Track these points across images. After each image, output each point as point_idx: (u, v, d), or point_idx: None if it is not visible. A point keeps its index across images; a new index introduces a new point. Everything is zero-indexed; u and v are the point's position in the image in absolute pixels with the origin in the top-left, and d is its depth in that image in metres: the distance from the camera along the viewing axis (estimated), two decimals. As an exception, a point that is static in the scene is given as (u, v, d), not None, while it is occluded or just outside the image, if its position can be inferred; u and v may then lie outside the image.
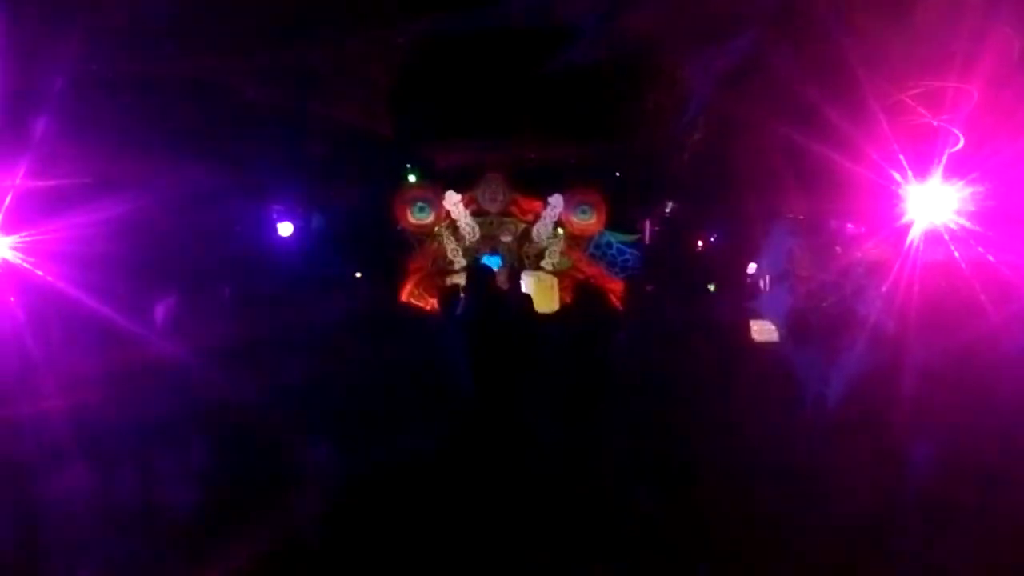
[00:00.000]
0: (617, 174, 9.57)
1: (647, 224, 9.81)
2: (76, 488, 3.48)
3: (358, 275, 7.36)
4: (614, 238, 9.92)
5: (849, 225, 4.65)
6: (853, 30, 4.00)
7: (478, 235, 9.87)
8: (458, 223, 9.76)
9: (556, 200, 9.93)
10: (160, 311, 4.29)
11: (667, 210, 8.85)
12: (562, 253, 10.01)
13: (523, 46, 5.48)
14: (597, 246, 9.98)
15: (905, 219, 4.03)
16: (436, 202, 9.61)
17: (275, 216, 8.67)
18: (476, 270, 5.21)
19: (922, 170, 3.99)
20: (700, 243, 7.92)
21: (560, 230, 10.03)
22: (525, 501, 4.14)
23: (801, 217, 4.84)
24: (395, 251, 9.43)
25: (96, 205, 4.22)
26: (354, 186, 8.76)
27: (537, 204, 10.08)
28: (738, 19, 4.79)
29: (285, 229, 8.91)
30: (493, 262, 9.60)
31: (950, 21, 3.85)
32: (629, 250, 9.73)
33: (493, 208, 10.04)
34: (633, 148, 7.88)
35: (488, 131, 8.40)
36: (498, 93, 6.64)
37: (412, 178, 9.50)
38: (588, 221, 9.89)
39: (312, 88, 5.54)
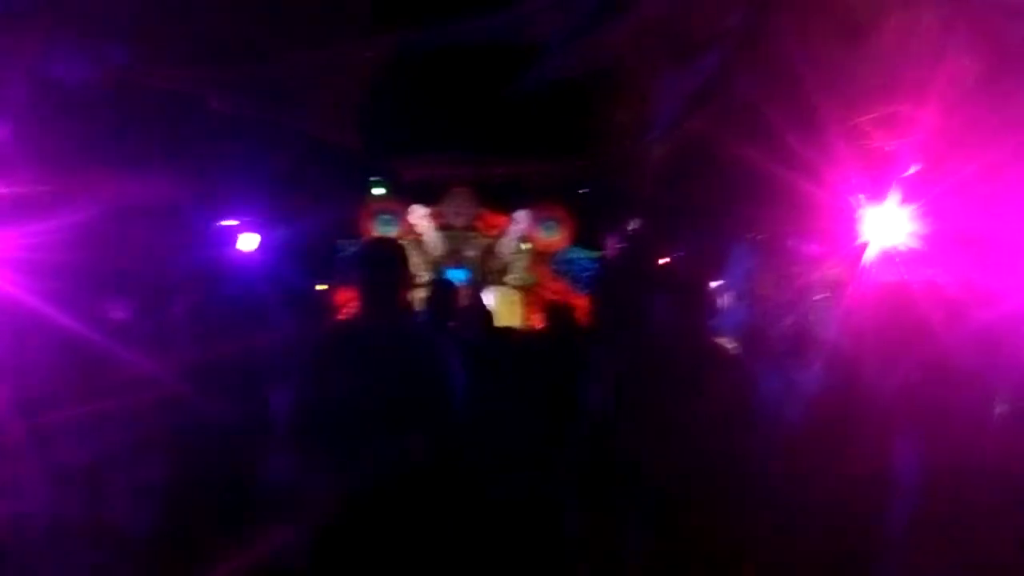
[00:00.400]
0: (583, 190, 9.64)
1: (611, 240, 9.86)
2: (27, 507, 3.39)
3: (322, 288, 7.30)
4: (579, 254, 9.99)
5: (808, 246, 4.73)
6: (813, 54, 4.08)
7: (443, 249, 9.87)
8: (423, 237, 9.76)
9: (521, 216, 9.99)
10: (118, 322, 4.22)
11: (631, 227, 8.91)
12: (527, 268, 10.05)
13: (492, 63, 5.52)
14: (562, 262, 10.03)
15: (861, 241, 4.11)
16: (401, 215, 9.60)
17: (239, 228, 8.59)
18: (438, 284, 5.18)
19: (878, 193, 4.08)
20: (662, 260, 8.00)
21: (525, 245, 10.07)
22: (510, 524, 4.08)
23: (761, 237, 4.92)
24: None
25: (52, 213, 4.15)
26: (319, 199, 8.71)
27: (503, 219, 10.12)
28: (706, 40, 4.86)
29: (249, 242, 8.82)
30: (458, 276, 9.60)
31: (907, 46, 3.95)
32: (594, 266, 9.80)
33: (459, 222, 10.06)
34: (599, 165, 7.95)
35: (455, 146, 8.42)
36: (466, 108, 6.67)
37: (378, 191, 9.48)
38: (553, 237, 9.95)
39: (279, 99, 5.51)
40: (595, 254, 9.90)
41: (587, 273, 10.01)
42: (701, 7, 4.56)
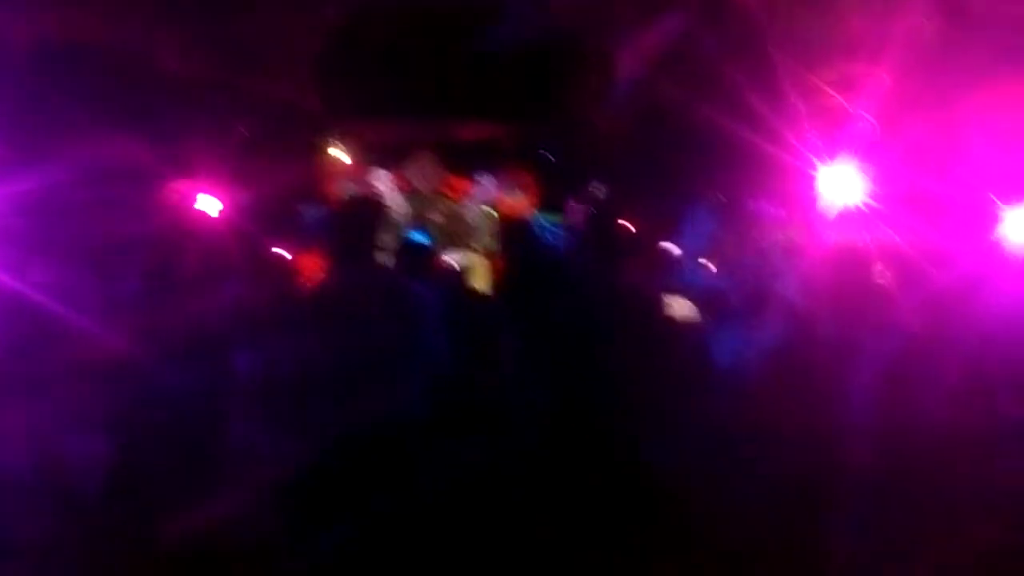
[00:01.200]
0: (547, 155, 9.58)
1: (575, 205, 9.85)
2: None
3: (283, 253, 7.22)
4: (544, 219, 9.95)
5: (767, 206, 4.78)
6: (773, 15, 4.08)
7: (408, 213, 9.77)
8: (387, 201, 9.64)
9: (487, 180, 9.89)
10: (69, 287, 4.13)
11: (597, 191, 8.91)
12: (493, 234, 9.99)
13: (452, 23, 5.43)
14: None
15: (819, 201, 4.16)
16: (364, 179, 9.47)
17: (197, 192, 8.42)
18: (408, 245, 5.10)
19: (836, 153, 4.12)
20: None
21: (491, 211, 10.00)
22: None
23: (722, 198, 4.95)
24: (322, 229, 9.25)
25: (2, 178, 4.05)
26: (281, 162, 8.57)
27: (468, 184, 10.02)
28: (668, 1, 4.84)
29: (208, 205, 8.65)
30: (420, 238, 9.53)
31: (865, 8, 3.96)
32: (558, 231, 9.78)
33: (423, 187, 9.94)
34: (565, 129, 7.91)
35: (417, 108, 8.30)
36: (427, 70, 6.57)
37: (340, 155, 9.31)
38: (519, 202, 9.88)
39: (238, 60, 5.38)
40: (560, 218, 9.88)
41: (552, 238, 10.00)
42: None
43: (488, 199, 9.95)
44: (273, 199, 8.78)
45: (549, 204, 9.84)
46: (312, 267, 7.37)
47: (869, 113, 4.03)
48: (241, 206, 9.10)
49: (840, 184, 4.17)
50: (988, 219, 4.02)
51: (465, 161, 9.88)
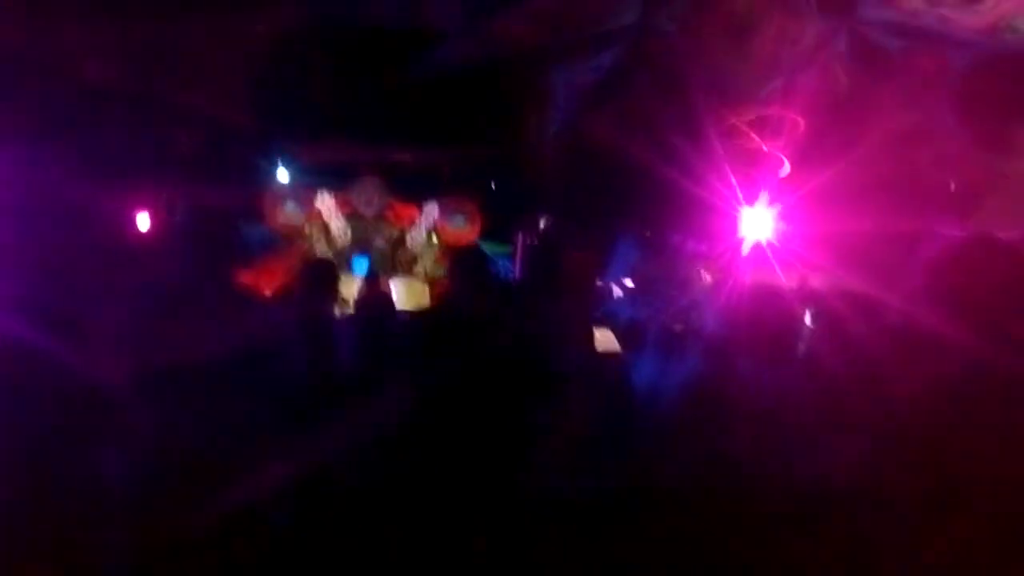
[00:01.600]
0: (492, 185, 9.64)
1: (520, 236, 9.93)
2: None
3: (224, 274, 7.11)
4: (488, 248, 9.98)
5: (689, 243, 4.87)
6: (699, 56, 4.19)
7: (350, 237, 9.73)
8: (329, 224, 9.60)
9: (431, 207, 9.91)
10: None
11: (541, 223, 8.99)
12: (436, 260, 9.99)
13: (389, 46, 5.46)
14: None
15: (736, 238, 4.25)
16: (307, 201, 9.41)
17: (132, 211, 8.27)
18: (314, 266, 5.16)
19: (752, 193, 4.22)
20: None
21: (434, 237, 10.02)
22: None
23: (646, 232, 5.04)
24: (263, 249, 9.17)
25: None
26: (221, 180, 8.47)
27: (412, 210, 10.03)
28: (603, 37, 4.93)
29: (142, 222, 8.51)
30: (362, 264, 9.52)
31: (786, 53, 4.09)
32: (502, 261, 9.82)
33: (368, 211, 9.91)
34: (504, 158, 7.97)
35: (362, 132, 8.29)
36: (368, 93, 6.57)
37: (283, 175, 9.25)
38: (462, 230, 9.90)
39: (158, 70, 5.30)
40: (504, 248, 9.92)
41: (495, 268, 10.03)
42: (596, 3, 4.62)
43: (431, 226, 9.99)
44: (212, 217, 8.70)
45: (495, 234, 9.93)
46: (251, 285, 7.28)
47: (787, 154, 4.14)
48: (178, 223, 8.99)
49: (758, 223, 4.26)
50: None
51: (411, 187, 9.91)
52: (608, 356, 4.48)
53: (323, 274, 4.93)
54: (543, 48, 4.99)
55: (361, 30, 5.29)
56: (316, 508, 3.98)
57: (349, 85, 6.77)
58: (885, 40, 4.41)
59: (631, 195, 5.02)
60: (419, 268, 9.90)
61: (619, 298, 4.88)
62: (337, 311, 5.91)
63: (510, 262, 9.78)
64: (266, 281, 8.89)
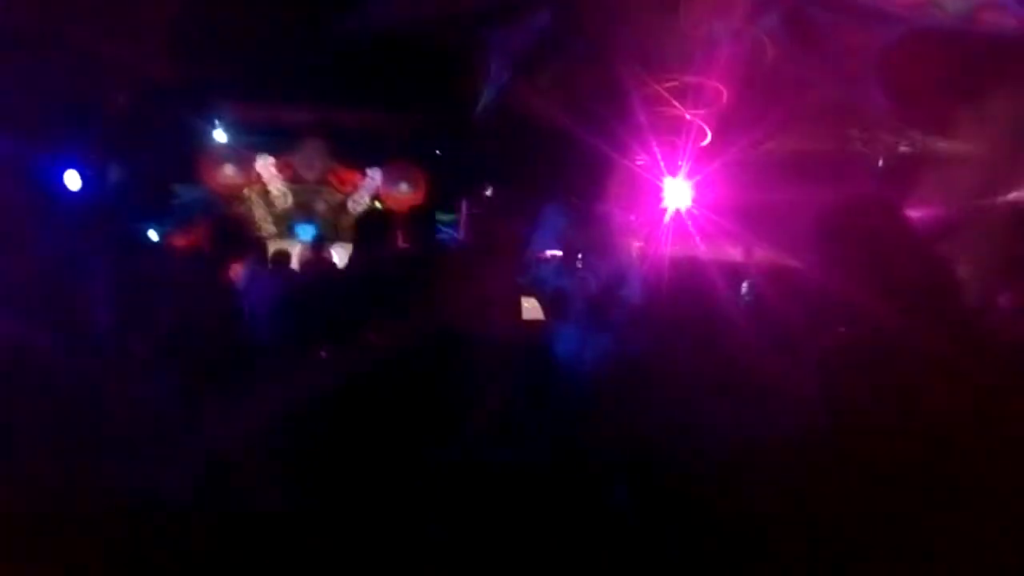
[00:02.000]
0: (438, 152, 9.52)
1: (464, 204, 9.85)
2: None
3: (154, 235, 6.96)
4: (432, 217, 9.86)
5: (614, 212, 4.83)
6: (626, 20, 4.13)
7: (291, 202, 9.57)
8: (269, 188, 9.42)
9: (375, 173, 9.78)
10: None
11: (485, 191, 8.91)
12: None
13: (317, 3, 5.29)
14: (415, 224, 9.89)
15: (659, 208, 4.23)
16: (247, 164, 9.21)
17: (59, 166, 8.00)
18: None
19: (675, 162, 4.19)
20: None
21: (378, 203, 9.89)
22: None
23: (575, 201, 4.99)
24: (199, 212, 8.96)
25: None
26: (155, 138, 8.23)
27: (356, 175, 9.88)
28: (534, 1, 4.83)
29: (72, 180, 8.23)
30: (307, 230, 9.37)
31: (713, 23, 4.04)
32: (446, 229, 9.73)
33: (310, 176, 9.76)
34: (449, 124, 7.85)
35: (304, 92, 8.08)
36: (308, 51, 6.38)
37: (221, 136, 9.03)
38: (406, 196, 9.80)
39: (82, 19, 5.07)
40: (448, 217, 9.83)
41: (440, 236, 9.93)
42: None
43: (375, 192, 9.85)
44: (146, 177, 8.47)
45: (440, 202, 9.82)
46: (184, 247, 7.11)
47: (708, 124, 4.11)
48: (110, 184, 8.74)
49: (680, 193, 4.24)
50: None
51: (355, 152, 9.74)
52: (533, 324, 4.45)
53: (230, 231, 4.82)
54: (478, 7, 4.88)
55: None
56: (232, 484, 3.91)
57: (285, 40, 6.55)
58: (816, 13, 4.38)
59: (560, 162, 4.96)
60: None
61: (546, 266, 4.85)
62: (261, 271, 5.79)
63: (455, 231, 9.71)
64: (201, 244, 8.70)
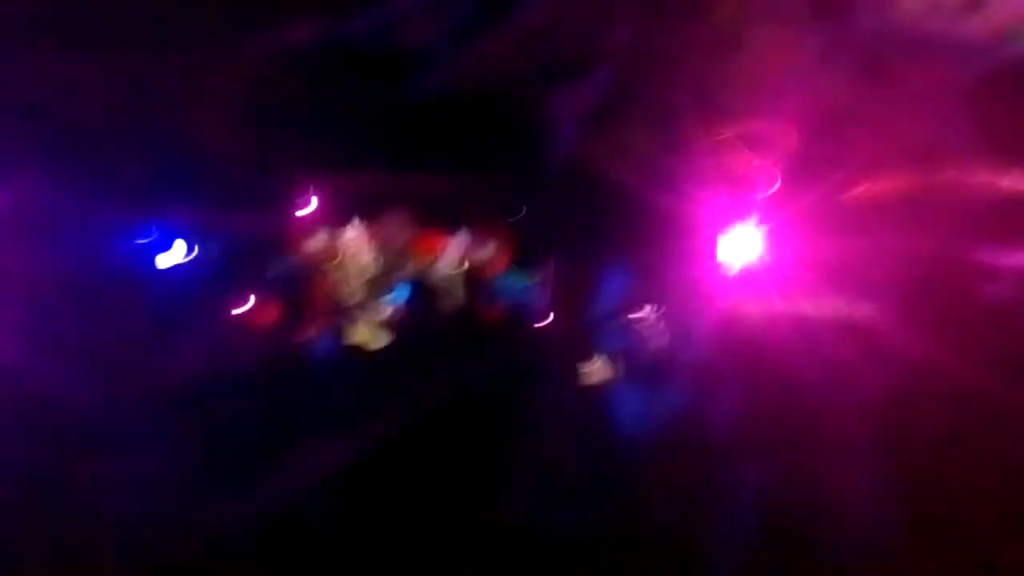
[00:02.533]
0: (519, 213, 9.48)
1: (550, 265, 9.73)
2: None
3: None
4: (516, 279, 9.81)
5: (674, 267, 4.61)
6: (684, 68, 4.00)
7: (378, 269, 9.68)
8: (356, 256, 9.57)
9: (460, 237, 9.81)
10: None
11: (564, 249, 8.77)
12: (465, 292, 9.86)
13: (378, 71, 5.40)
14: (499, 286, 9.85)
15: (725, 260, 4.01)
16: (334, 233, 9.40)
17: (159, 236, 8.36)
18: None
19: (742, 211, 3.98)
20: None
21: (461, 268, 9.89)
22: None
23: (634, 259, 4.80)
24: (287, 281, 9.16)
25: None
26: (243, 209, 8.52)
27: (441, 240, 9.94)
28: (596, 54, 4.76)
29: (175, 251, 8.58)
30: (402, 292, 9.44)
31: (773, 64, 3.87)
32: (527, 291, 9.63)
33: (396, 242, 9.87)
34: (528, 186, 7.81)
35: (383, 159, 8.23)
36: (379, 119, 6.51)
37: (309, 204, 9.26)
38: (492, 258, 9.76)
39: (162, 99, 5.34)
40: (532, 279, 9.73)
41: (524, 299, 9.85)
42: (586, 18, 4.46)
43: (460, 256, 9.89)
44: (236, 248, 8.76)
45: (523, 265, 9.76)
46: (271, 319, 7.27)
47: (775, 172, 3.89)
48: (208, 255, 9.07)
49: (745, 245, 4.02)
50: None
51: (440, 216, 9.84)
52: (592, 386, 4.31)
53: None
54: (538, 68, 4.85)
55: (347, 54, 5.23)
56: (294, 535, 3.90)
57: (355, 109, 6.70)
58: (887, 51, 4.14)
59: (621, 220, 4.82)
60: (446, 300, 9.79)
61: (613, 325, 4.68)
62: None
63: (537, 291, 9.59)
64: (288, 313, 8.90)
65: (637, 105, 4.37)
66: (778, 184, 3.97)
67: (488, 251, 9.92)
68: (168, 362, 4.76)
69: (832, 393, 3.59)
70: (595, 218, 4.98)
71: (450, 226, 9.79)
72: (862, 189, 3.85)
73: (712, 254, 4.09)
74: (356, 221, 9.48)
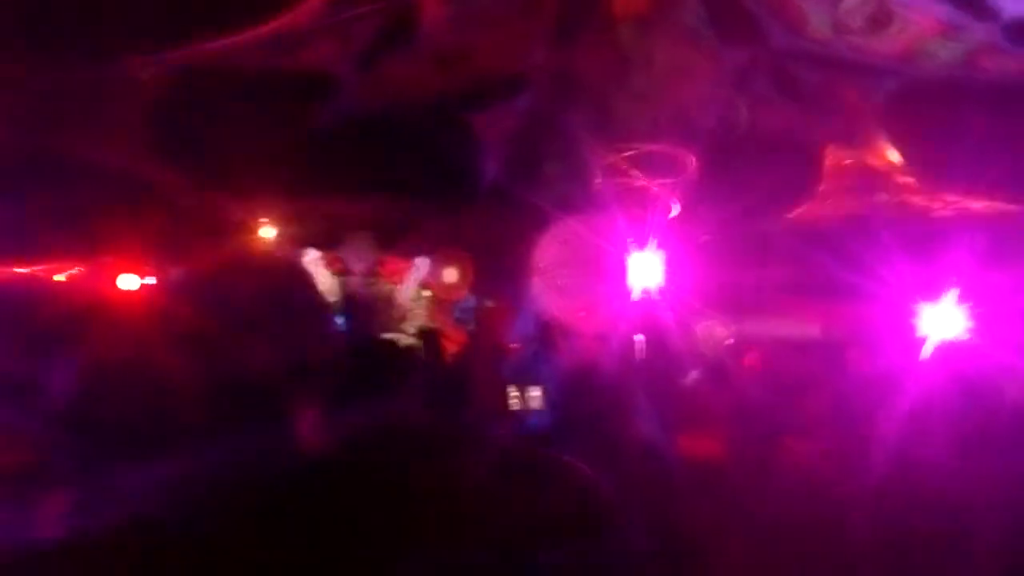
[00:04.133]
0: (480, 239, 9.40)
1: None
2: None
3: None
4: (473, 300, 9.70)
5: (578, 288, 4.48)
6: (584, 89, 3.92)
7: (338, 295, 9.60)
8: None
9: (421, 262, 9.72)
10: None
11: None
12: (427, 317, 9.76)
13: (285, 95, 5.30)
14: (463, 310, 9.75)
15: (625, 284, 3.90)
16: (294, 259, 9.33)
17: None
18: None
19: (641, 236, 3.88)
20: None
21: (425, 292, 9.79)
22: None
23: (548, 281, 4.68)
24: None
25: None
26: (207, 240, 8.45)
27: (404, 265, 9.85)
28: (512, 77, 4.68)
29: (128, 282, 8.51)
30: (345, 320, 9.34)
31: (674, 85, 3.78)
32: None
33: (359, 268, 9.79)
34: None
35: (343, 185, 8.15)
36: (335, 143, 6.42)
37: (267, 232, 9.20)
38: (452, 283, 9.67)
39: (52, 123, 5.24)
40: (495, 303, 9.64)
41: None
42: (498, 42, 4.39)
43: (422, 281, 9.78)
44: (199, 276, 8.66)
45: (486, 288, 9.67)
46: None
47: (674, 195, 3.79)
48: (166, 283, 8.96)
49: (646, 268, 3.91)
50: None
51: (401, 241, 9.76)
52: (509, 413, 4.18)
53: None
54: (452, 92, 4.77)
55: (260, 79, 5.15)
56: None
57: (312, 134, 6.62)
58: (801, 71, 4.06)
59: (536, 245, 4.72)
60: (409, 324, 9.68)
61: (527, 352, 4.55)
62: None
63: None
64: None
65: (546, 129, 4.27)
66: (676, 209, 3.87)
67: (448, 276, 9.83)
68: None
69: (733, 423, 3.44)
70: (512, 243, 4.87)
71: (413, 252, 9.71)
72: (778, 213, 3.74)
73: (614, 276, 3.97)
74: (313, 248, 9.42)
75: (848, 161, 4.27)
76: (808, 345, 3.98)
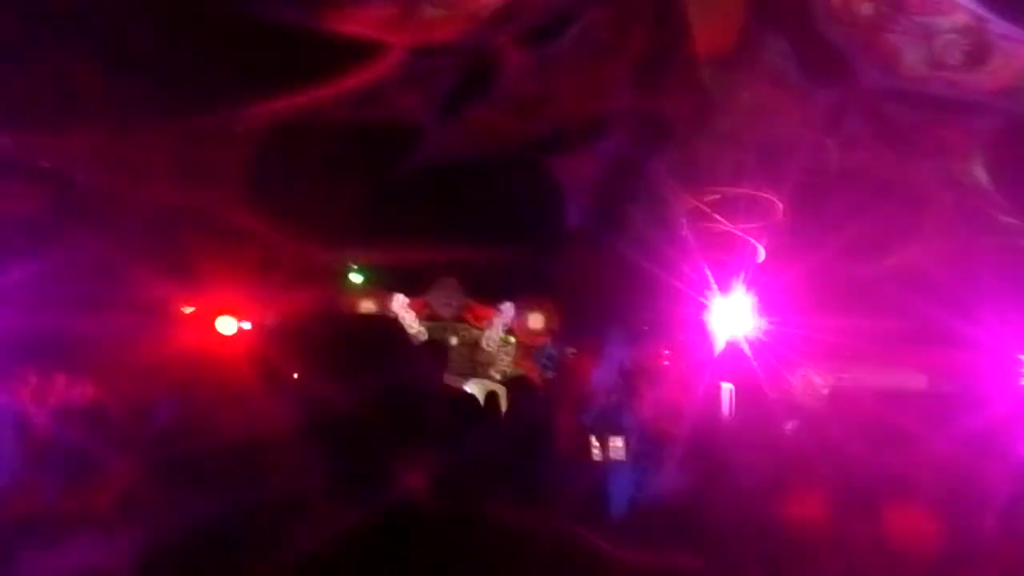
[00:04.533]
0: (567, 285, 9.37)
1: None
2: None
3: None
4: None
5: (662, 338, 4.35)
6: (664, 133, 3.87)
7: (423, 339, 9.69)
8: (406, 327, 9.63)
9: (507, 307, 9.75)
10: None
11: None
12: (512, 362, 9.75)
13: (372, 145, 5.42)
14: (547, 356, 9.70)
15: (708, 332, 3.78)
16: (383, 305, 9.51)
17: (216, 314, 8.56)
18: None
19: (724, 281, 3.76)
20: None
21: (511, 338, 9.80)
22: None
23: (633, 330, 4.56)
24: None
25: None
26: (299, 284, 8.70)
27: (490, 310, 9.90)
28: (598, 123, 4.68)
29: (226, 326, 8.77)
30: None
31: (758, 126, 3.69)
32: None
33: (446, 313, 9.89)
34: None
35: (431, 233, 8.30)
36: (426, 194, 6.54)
37: (356, 278, 9.44)
38: (537, 328, 9.66)
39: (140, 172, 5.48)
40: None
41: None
42: (580, 88, 4.40)
43: (508, 326, 9.79)
44: (293, 322, 8.90)
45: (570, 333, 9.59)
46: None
47: (759, 239, 3.67)
48: (260, 326, 9.26)
49: (732, 315, 3.78)
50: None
51: (488, 287, 9.82)
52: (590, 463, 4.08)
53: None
54: (535, 137, 4.79)
55: (348, 130, 5.29)
56: None
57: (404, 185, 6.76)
58: (898, 111, 3.90)
59: (620, 291, 4.63)
60: (495, 370, 9.69)
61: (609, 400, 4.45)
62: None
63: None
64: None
65: (629, 173, 4.23)
66: (762, 253, 3.74)
67: (533, 321, 9.82)
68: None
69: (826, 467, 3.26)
70: (595, 288, 4.81)
71: (499, 297, 9.75)
72: (876, 257, 3.58)
73: (698, 324, 3.86)
74: (401, 294, 9.58)
75: (949, 202, 4.05)
76: (913, 396, 3.78)
